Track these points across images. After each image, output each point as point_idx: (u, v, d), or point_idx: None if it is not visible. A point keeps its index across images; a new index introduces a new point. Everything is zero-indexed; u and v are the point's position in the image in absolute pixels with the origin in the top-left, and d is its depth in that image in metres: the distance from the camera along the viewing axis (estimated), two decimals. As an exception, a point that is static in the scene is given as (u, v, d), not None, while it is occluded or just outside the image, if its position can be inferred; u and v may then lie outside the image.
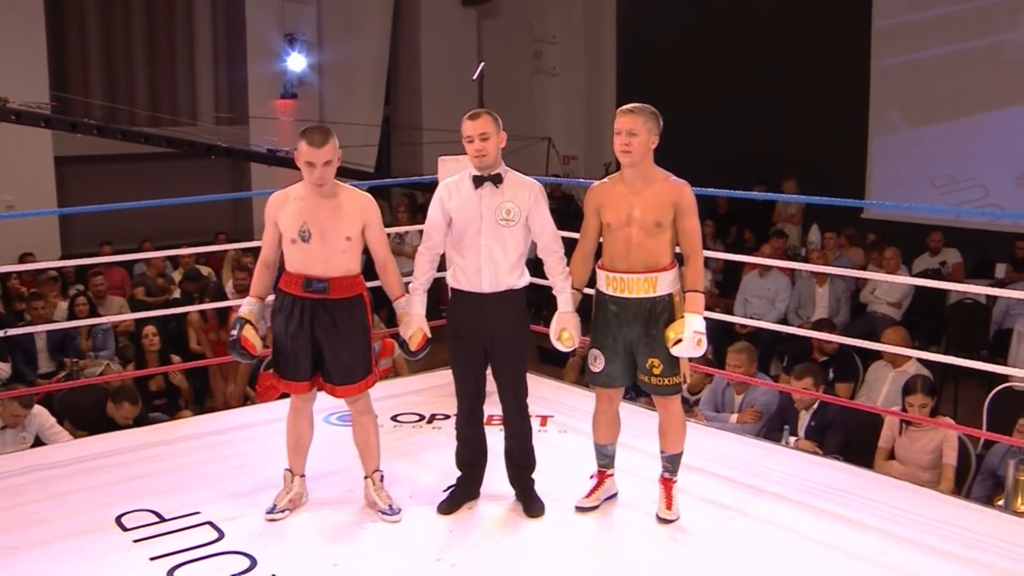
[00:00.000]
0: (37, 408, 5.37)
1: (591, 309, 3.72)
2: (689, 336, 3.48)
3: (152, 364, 6.91)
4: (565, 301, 3.71)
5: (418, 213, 10.79)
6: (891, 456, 5.08)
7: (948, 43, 10.16)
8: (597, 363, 3.68)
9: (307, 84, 12.86)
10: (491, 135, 3.59)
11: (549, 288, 3.79)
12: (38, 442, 5.27)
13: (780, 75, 11.28)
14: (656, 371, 3.60)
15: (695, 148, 9.71)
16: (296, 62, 12.63)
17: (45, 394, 5.82)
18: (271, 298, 3.76)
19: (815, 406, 5.29)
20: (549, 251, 3.71)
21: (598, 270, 3.67)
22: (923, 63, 10.41)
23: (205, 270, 9.63)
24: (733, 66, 11.76)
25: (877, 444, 5.13)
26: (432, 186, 3.99)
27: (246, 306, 3.68)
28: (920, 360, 5.99)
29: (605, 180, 3.70)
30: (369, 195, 3.72)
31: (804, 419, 5.31)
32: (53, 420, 5.41)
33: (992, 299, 8.02)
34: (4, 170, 10.49)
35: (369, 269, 3.71)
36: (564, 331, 3.69)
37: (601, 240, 3.69)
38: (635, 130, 3.49)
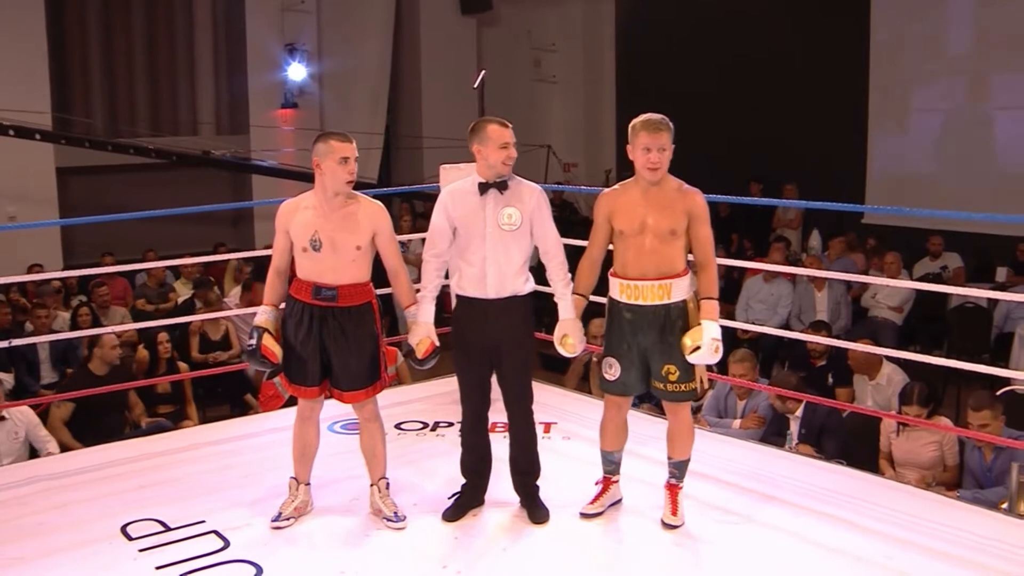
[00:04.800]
0: (24, 408, 5.37)
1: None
2: (707, 343, 3.49)
3: (162, 368, 6.89)
4: (566, 307, 3.71)
5: (418, 219, 10.78)
6: (891, 458, 5.09)
7: (949, 50, 10.15)
8: (612, 371, 3.67)
9: (308, 94, 12.87)
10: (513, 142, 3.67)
11: (552, 295, 3.80)
12: (32, 451, 5.28)
13: (778, 82, 11.28)
14: (672, 377, 3.60)
15: (694, 155, 9.67)
16: (296, 72, 12.64)
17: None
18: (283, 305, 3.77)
19: (800, 412, 5.29)
20: (550, 256, 3.71)
21: (611, 277, 3.67)
22: (925, 70, 10.41)
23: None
24: (731, 74, 11.77)
25: (878, 447, 5.15)
26: (433, 195, 4.00)
27: (262, 314, 3.69)
28: (918, 364, 5.98)
29: (616, 187, 3.70)
30: (379, 203, 3.74)
31: (794, 426, 5.30)
32: (39, 421, 5.42)
33: (993, 303, 8.03)
34: (6, 181, 10.51)
35: (377, 276, 3.71)
36: (566, 337, 3.70)
37: (612, 247, 3.69)
38: (665, 146, 3.51)
